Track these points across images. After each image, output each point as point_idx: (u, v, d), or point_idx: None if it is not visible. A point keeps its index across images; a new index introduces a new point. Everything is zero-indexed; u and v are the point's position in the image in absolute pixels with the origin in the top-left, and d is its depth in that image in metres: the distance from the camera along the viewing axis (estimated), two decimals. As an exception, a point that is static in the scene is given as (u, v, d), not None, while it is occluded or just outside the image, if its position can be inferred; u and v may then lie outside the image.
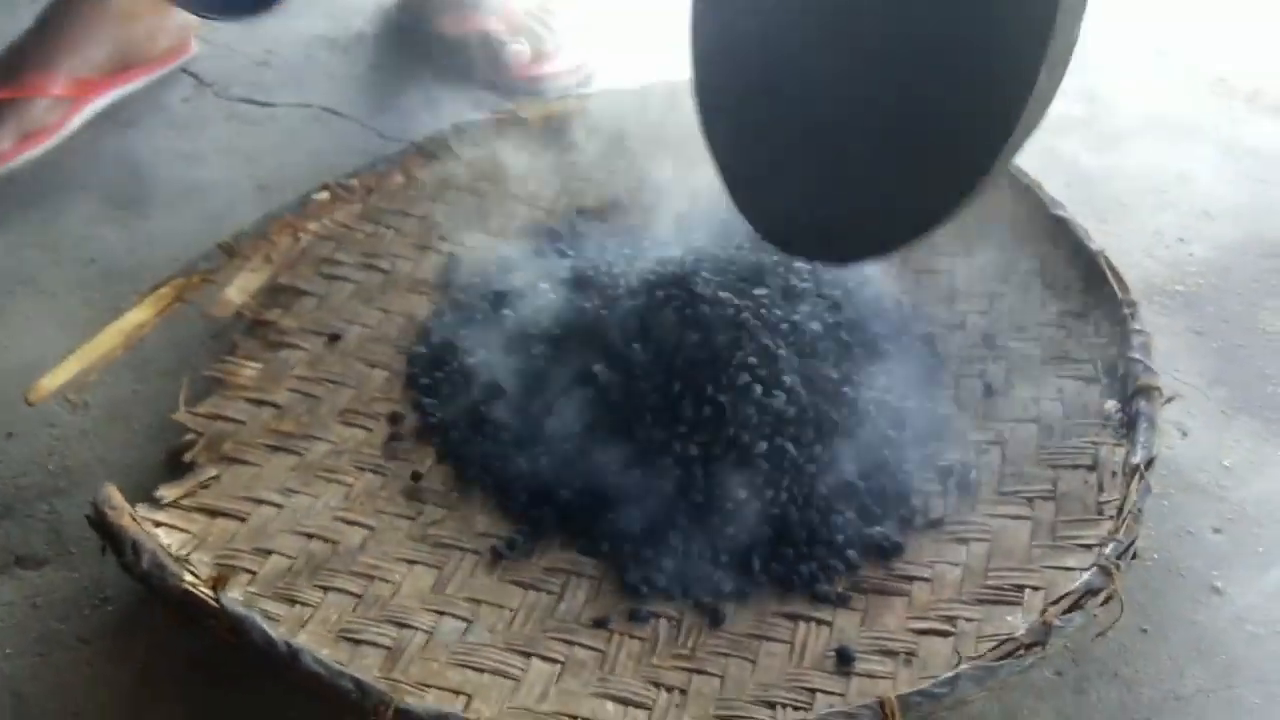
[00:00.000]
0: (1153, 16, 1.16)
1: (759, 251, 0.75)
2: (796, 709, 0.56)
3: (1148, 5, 1.18)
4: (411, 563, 0.64)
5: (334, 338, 0.77)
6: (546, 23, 1.07)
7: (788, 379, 0.67)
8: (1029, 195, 0.80)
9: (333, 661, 0.54)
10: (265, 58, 1.11)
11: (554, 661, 0.59)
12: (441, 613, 0.61)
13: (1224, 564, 0.67)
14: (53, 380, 0.69)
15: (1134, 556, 0.58)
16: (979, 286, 0.80)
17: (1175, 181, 0.97)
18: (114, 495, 0.60)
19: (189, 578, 0.57)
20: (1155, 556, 0.67)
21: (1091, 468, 0.65)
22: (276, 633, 0.55)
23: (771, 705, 0.56)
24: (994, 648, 0.54)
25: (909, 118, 0.50)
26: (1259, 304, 0.85)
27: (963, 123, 0.48)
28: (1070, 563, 0.60)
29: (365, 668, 0.57)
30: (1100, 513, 0.62)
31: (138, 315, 0.73)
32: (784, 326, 0.69)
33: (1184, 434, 0.74)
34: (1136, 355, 0.68)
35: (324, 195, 0.83)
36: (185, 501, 0.65)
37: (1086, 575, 0.56)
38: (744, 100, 0.58)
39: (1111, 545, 0.58)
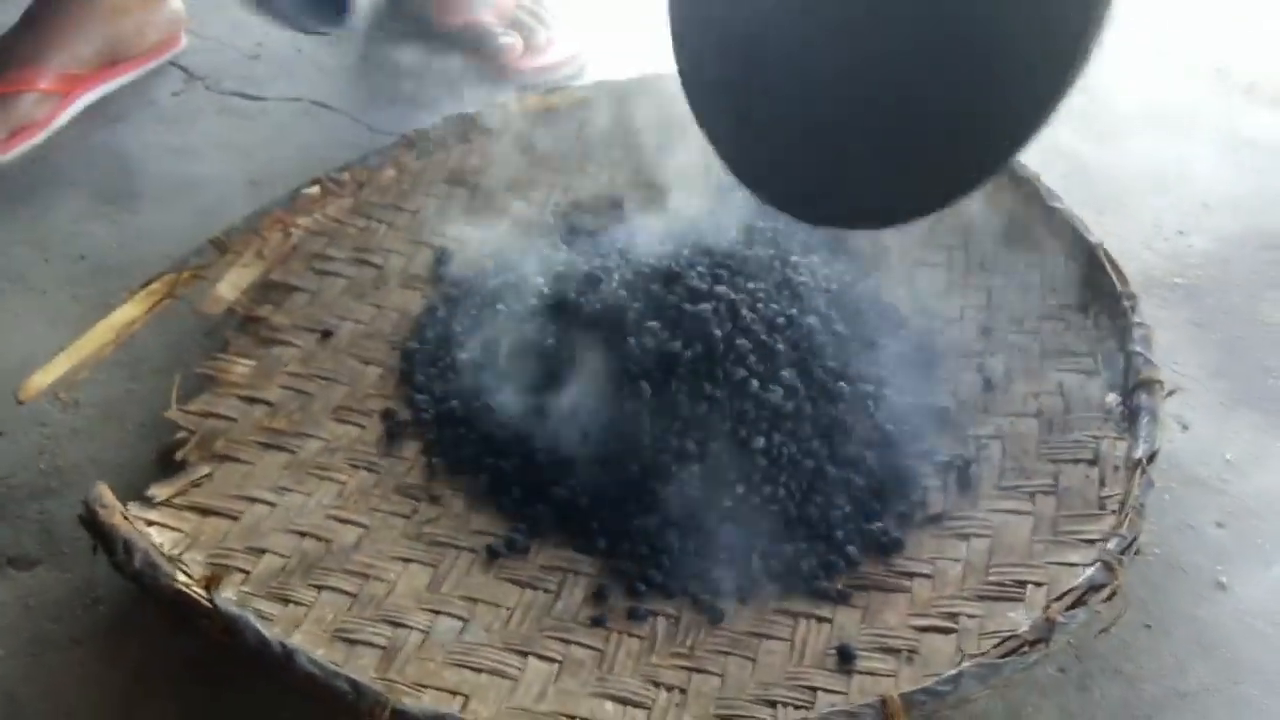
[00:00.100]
0: (1151, 8, 1.15)
1: (755, 245, 0.74)
2: (798, 708, 0.55)
3: (1146, -3, 1.17)
4: (407, 561, 0.63)
5: (326, 334, 0.76)
6: (538, 15, 1.07)
7: (785, 374, 0.66)
8: (1027, 187, 0.80)
9: (328, 662, 0.53)
10: (256, 51, 1.10)
11: (552, 661, 0.58)
12: (437, 612, 0.60)
13: (1227, 559, 0.66)
14: (43, 378, 0.68)
15: (1137, 552, 0.58)
16: (977, 279, 0.79)
17: (1174, 174, 0.96)
18: (105, 494, 0.59)
19: (181, 577, 0.56)
20: (1157, 551, 0.66)
21: (1093, 462, 0.64)
22: (271, 633, 0.54)
23: (772, 704, 0.56)
24: (997, 645, 0.54)
25: (927, 100, 0.50)
26: (1259, 296, 0.84)
27: (992, 109, 0.48)
28: (1073, 558, 0.59)
29: (361, 668, 0.56)
30: (1102, 507, 0.62)
31: (128, 312, 0.72)
32: (780, 320, 0.68)
33: (1185, 427, 0.74)
34: (1137, 348, 0.68)
35: (315, 190, 0.82)
36: (177, 500, 0.64)
37: (1089, 571, 0.56)
38: (736, 72, 0.57)
39: (1114, 540, 0.57)
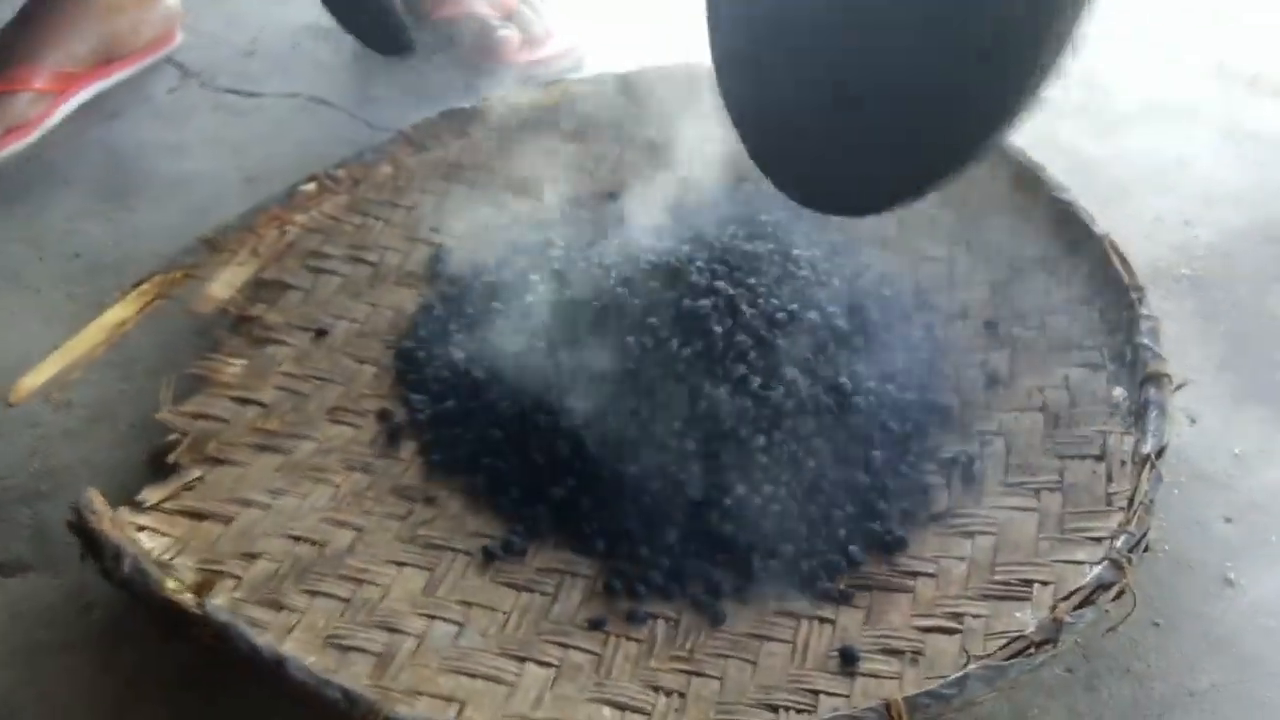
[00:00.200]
0: (1151, 1, 1.14)
1: (755, 240, 0.73)
2: (800, 712, 0.54)
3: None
4: (401, 565, 0.62)
5: (321, 333, 0.76)
6: (536, 7, 1.05)
7: (786, 371, 0.65)
8: (1031, 179, 0.78)
9: (320, 669, 0.53)
10: (251, 47, 1.09)
11: (548, 666, 0.57)
12: (432, 616, 0.59)
13: (1236, 555, 0.65)
14: (34, 379, 0.67)
15: (1146, 549, 0.57)
16: (980, 273, 0.78)
17: (1177, 166, 0.95)
18: (95, 499, 0.59)
19: (171, 584, 0.56)
20: (1165, 548, 0.65)
21: (1100, 457, 0.63)
22: (262, 640, 0.53)
23: (774, 708, 0.55)
24: (1003, 646, 0.53)
25: (917, 81, 0.50)
26: (1265, 289, 0.83)
27: (970, 88, 0.48)
28: (1080, 556, 0.58)
29: (354, 675, 0.55)
30: (1110, 504, 0.60)
31: (120, 312, 0.71)
32: (781, 316, 0.67)
33: (1192, 421, 0.73)
34: (1145, 341, 0.67)
35: (310, 187, 0.81)
36: (169, 504, 0.63)
37: (1097, 569, 0.55)
38: (762, 56, 0.57)
39: (1123, 538, 0.56)
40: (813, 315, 0.68)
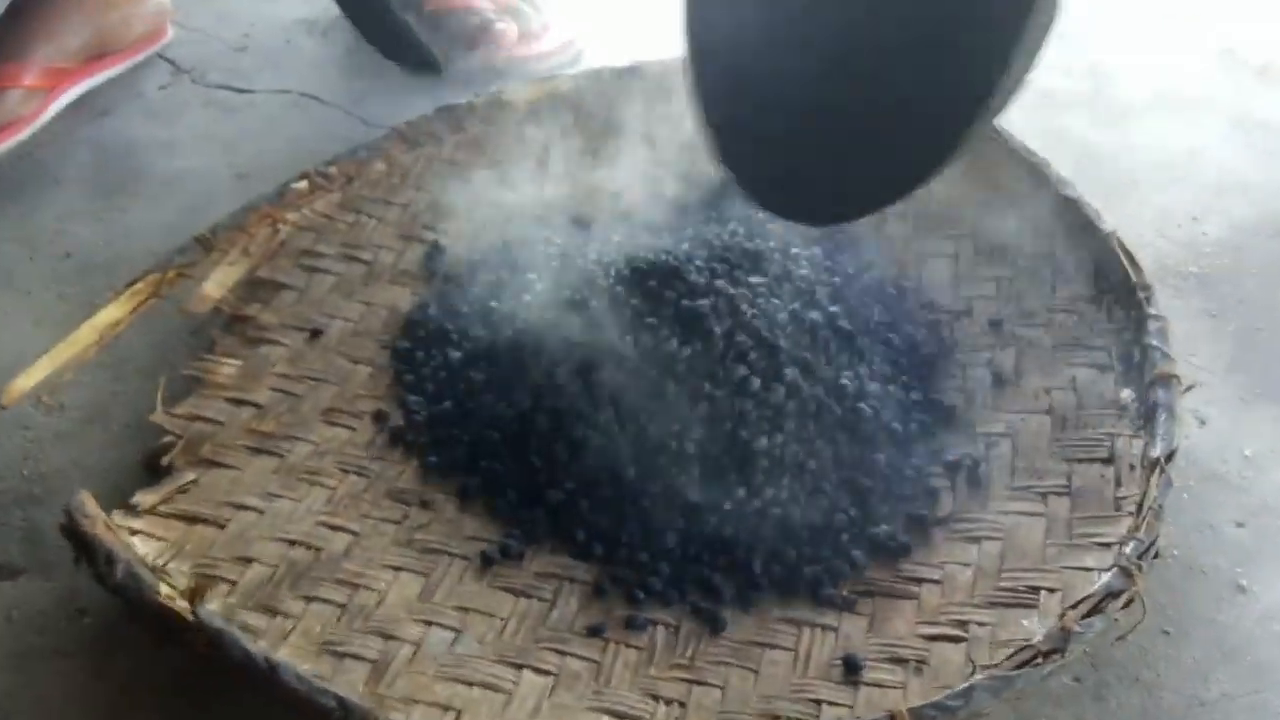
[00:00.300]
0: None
1: (755, 238, 0.72)
2: (802, 721, 0.53)
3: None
4: (397, 569, 0.61)
5: (315, 333, 0.74)
6: (533, 0, 1.04)
7: (787, 371, 0.64)
8: (1036, 174, 0.77)
9: (314, 677, 0.52)
10: (243, 43, 1.08)
11: (546, 673, 0.56)
12: (429, 622, 0.58)
13: (1248, 560, 0.64)
14: (26, 381, 0.66)
15: (1156, 555, 0.56)
16: (985, 271, 0.77)
17: (1185, 158, 0.93)
18: (88, 502, 0.58)
19: (165, 589, 0.54)
20: (1175, 553, 0.64)
21: (1108, 461, 0.62)
22: (256, 647, 0.52)
23: (776, 718, 0.54)
24: (1010, 655, 0.52)
25: (886, 87, 0.51)
26: (1276, 285, 0.82)
27: (937, 95, 0.49)
28: (1088, 562, 0.57)
29: (349, 683, 0.54)
30: (1119, 509, 0.59)
31: (112, 313, 0.70)
32: (782, 316, 0.66)
33: (1202, 422, 0.72)
34: (1153, 341, 0.66)
35: (303, 184, 0.80)
36: (163, 508, 0.62)
37: (1106, 576, 0.54)
38: (734, 66, 0.58)
39: (1132, 544, 0.55)
40: (814, 315, 0.67)
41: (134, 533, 0.59)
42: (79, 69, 0.98)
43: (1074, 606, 0.53)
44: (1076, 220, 0.74)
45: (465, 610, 0.59)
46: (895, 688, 0.54)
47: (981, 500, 0.63)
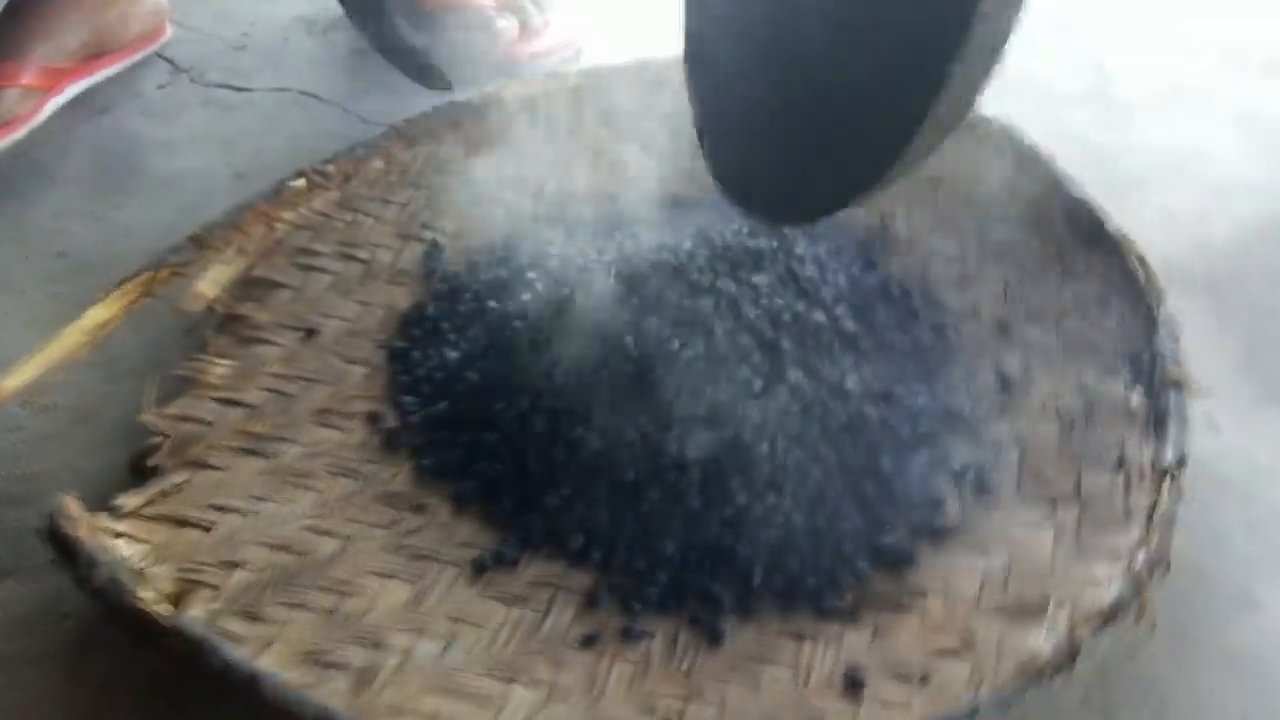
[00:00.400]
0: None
1: (758, 237, 0.71)
2: (803, 739, 0.52)
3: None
4: (387, 576, 0.60)
5: (310, 332, 0.73)
6: (534, -2, 1.03)
7: (790, 374, 0.63)
8: (1044, 173, 0.76)
9: (297, 687, 0.50)
10: (242, 41, 1.07)
11: (538, 686, 0.55)
12: (418, 632, 0.57)
13: (1260, 571, 0.62)
14: (15, 381, 0.65)
15: (1168, 567, 0.54)
16: (992, 271, 0.75)
17: (1191, 157, 0.92)
18: (69, 504, 0.56)
19: (145, 594, 0.53)
20: (1185, 564, 0.62)
21: (1118, 468, 0.61)
22: (237, 655, 0.51)
23: (775, 733, 0.52)
24: (1018, 671, 0.50)
25: (847, 84, 0.52)
26: (1286, 287, 0.80)
27: (891, 93, 0.49)
28: (1098, 572, 0.55)
29: (332, 693, 0.52)
30: (1128, 517, 0.58)
31: (103, 311, 0.69)
32: (786, 317, 0.65)
33: (1212, 428, 0.70)
34: (1164, 346, 0.64)
35: (300, 183, 0.78)
36: (147, 510, 0.61)
37: (1117, 588, 0.52)
38: (716, 69, 0.59)
39: (1143, 554, 0.53)
40: (818, 316, 0.66)
41: (117, 535, 0.58)
42: (77, 68, 0.97)
43: (1083, 619, 0.52)
44: (1085, 221, 0.73)
45: (455, 619, 0.58)
46: (899, 704, 0.52)
47: (988, 508, 0.61)
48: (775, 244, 0.70)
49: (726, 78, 0.59)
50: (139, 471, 0.64)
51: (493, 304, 0.72)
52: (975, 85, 0.47)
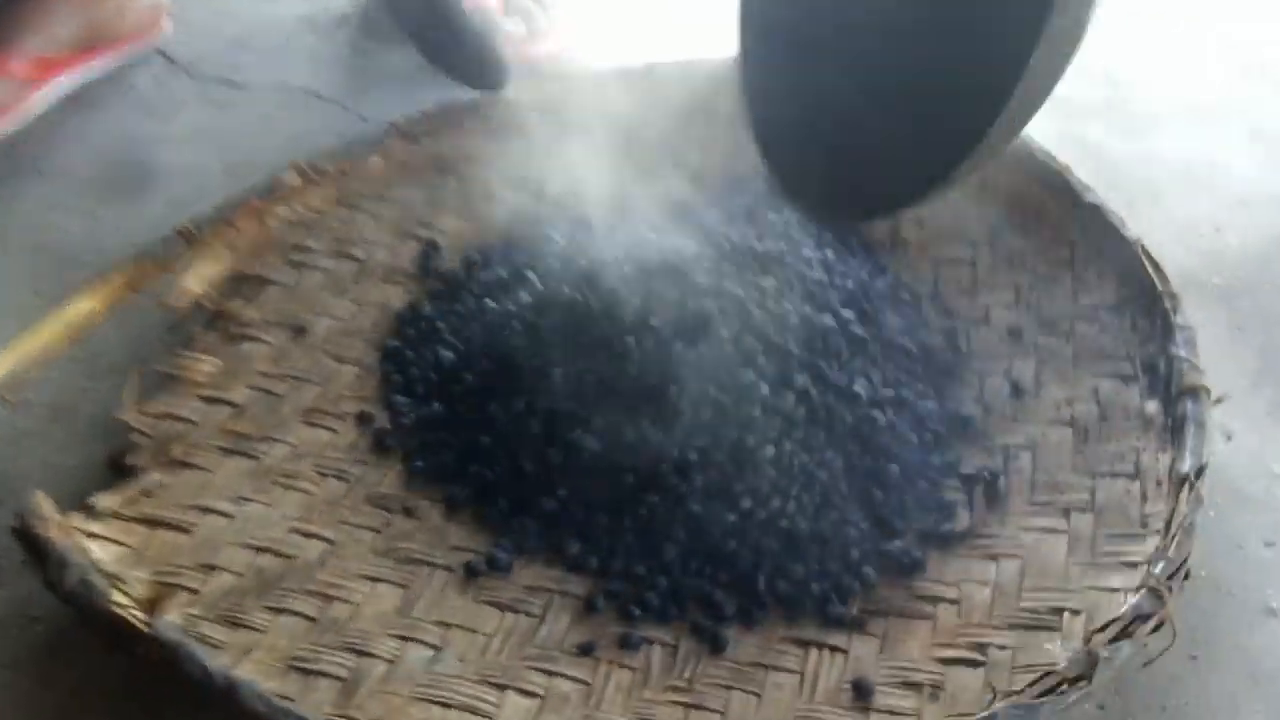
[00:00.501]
0: (1181, -1, 1.11)
1: (765, 239, 0.69)
2: (808, 750, 0.50)
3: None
4: (375, 580, 0.57)
5: (300, 330, 0.71)
6: (540, 0, 1.02)
7: (797, 377, 0.61)
8: (1057, 180, 0.74)
9: (277, 697, 0.48)
10: (242, 38, 1.05)
11: (533, 696, 0.53)
12: (406, 638, 0.55)
13: (1278, 580, 0.60)
14: (-12, 375, 0.63)
15: (1186, 576, 0.52)
16: (1004, 277, 0.74)
17: (1207, 168, 0.91)
18: (42, 503, 0.54)
19: (120, 598, 0.51)
20: (1203, 574, 0.60)
21: (1134, 476, 0.59)
22: (215, 662, 0.49)
23: (779, 745, 0.50)
24: (1033, 682, 0.48)
25: (916, 85, 0.51)
26: (1301, 298, 0.79)
27: (961, 92, 0.48)
28: (1114, 582, 0.53)
29: (316, 703, 0.50)
30: (1145, 526, 0.56)
31: (83, 305, 0.67)
32: (793, 320, 0.63)
33: (1228, 438, 0.68)
34: (1180, 352, 0.62)
35: (294, 178, 0.77)
36: (125, 511, 0.59)
37: (1135, 598, 0.50)
38: (775, 63, 0.58)
39: (1162, 564, 0.51)
40: (826, 319, 0.64)
41: (91, 536, 0.56)
42: (69, 60, 0.96)
43: (1100, 629, 0.50)
44: (1098, 226, 0.71)
45: (446, 625, 0.56)
46: (909, 715, 0.51)
47: (1000, 515, 0.60)
48: (783, 246, 0.69)
49: (785, 70, 0.57)
50: (118, 470, 0.62)
51: (490, 304, 0.70)
52: (1052, 79, 0.46)
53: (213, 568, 0.57)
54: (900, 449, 0.62)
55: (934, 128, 0.50)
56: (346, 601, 0.56)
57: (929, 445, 0.63)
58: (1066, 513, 0.58)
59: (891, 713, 0.51)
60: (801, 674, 0.53)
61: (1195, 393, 0.60)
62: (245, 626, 0.54)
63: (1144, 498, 0.58)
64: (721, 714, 0.52)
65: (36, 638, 0.58)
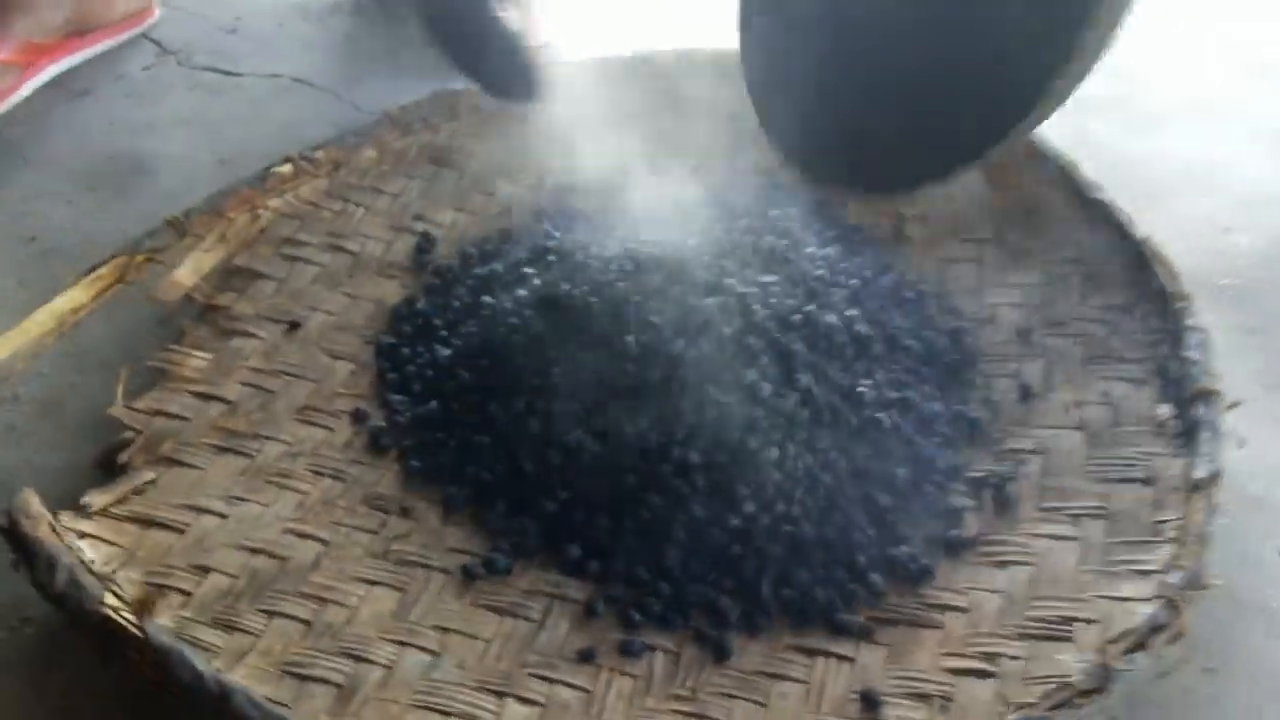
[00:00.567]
0: (1189, -2, 1.09)
1: (767, 235, 0.68)
2: (815, 763, 0.48)
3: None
4: (371, 583, 0.56)
5: (293, 325, 0.70)
6: (534, -11, 1.00)
7: (800, 377, 0.60)
8: (1065, 178, 0.73)
9: (271, 702, 0.47)
10: (234, 25, 1.04)
11: (532, 703, 0.51)
12: (403, 643, 0.53)
13: (1294, 592, 0.59)
14: (-28, 371, 0.61)
15: (1203, 586, 0.51)
16: (1011, 276, 0.72)
17: (1216, 167, 0.90)
18: (31, 501, 0.53)
19: (111, 599, 0.50)
20: (1217, 583, 0.59)
21: (1146, 482, 0.58)
22: (208, 667, 0.47)
23: (785, 758, 0.49)
24: (1046, 695, 0.47)
25: (962, 53, 0.48)
26: (1316, 300, 0.78)
27: (1012, 62, 0.46)
28: (1126, 591, 0.52)
29: (311, 710, 0.49)
30: (1158, 534, 0.55)
31: (72, 298, 0.65)
32: (796, 318, 0.62)
33: (1241, 443, 0.67)
34: (1193, 355, 0.61)
35: (287, 169, 0.75)
36: (116, 509, 0.57)
37: (1151, 608, 0.49)
38: (795, 28, 0.54)
39: (1177, 574, 0.50)
40: (830, 318, 0.63)
41: (82, 536, 0.54)
42: (58, 45, 0.95)
43: (1114, 641, 0.49)
44: (1108, 225, 0.70)
45: (444, 630, 0.54)
46: (919, 726, 0.49)
47: (1010, 521, 0.58)
48: (785, 243, 0.67)
49: (798, 32, 0.53)
50: (108, 468, 0.61)
51: (487, 299, 0.68)
52: (1104, 45, 0.44)
53: (206, 569, 0.55)
54: (906, 452, 0.61)
55: (980, 98, 0.47)
56: (342, 605, 0.55)
57: (935, 448, 0.61)
58: (1077, 519, 0.57)
59: (901, 724, 0.50)
60: (808, 683, 0.52)
61: (1209, 397, 0.59)
62: (239, 630, 0.53)
63: (1157, 504, 0.56)
64: (726, 724, 0.51)
65: (27, 640, 0.56)
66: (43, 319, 0.64)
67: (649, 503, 0.57)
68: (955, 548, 0.57)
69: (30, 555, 0.51)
